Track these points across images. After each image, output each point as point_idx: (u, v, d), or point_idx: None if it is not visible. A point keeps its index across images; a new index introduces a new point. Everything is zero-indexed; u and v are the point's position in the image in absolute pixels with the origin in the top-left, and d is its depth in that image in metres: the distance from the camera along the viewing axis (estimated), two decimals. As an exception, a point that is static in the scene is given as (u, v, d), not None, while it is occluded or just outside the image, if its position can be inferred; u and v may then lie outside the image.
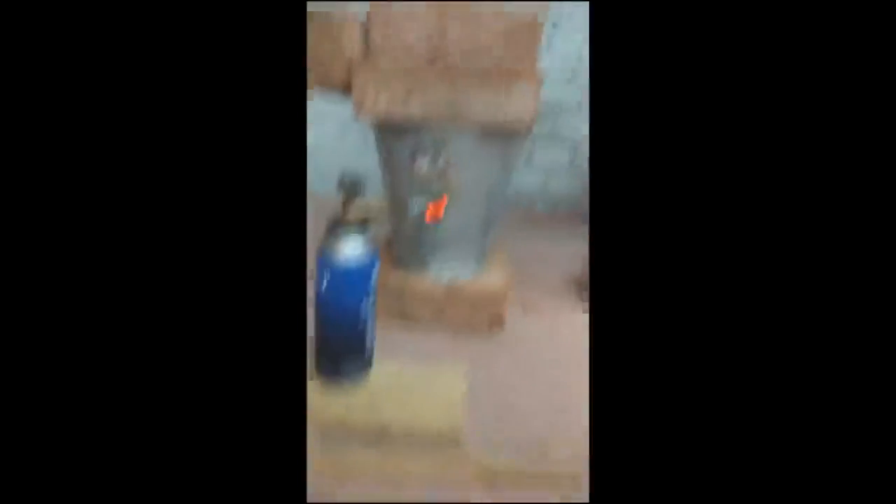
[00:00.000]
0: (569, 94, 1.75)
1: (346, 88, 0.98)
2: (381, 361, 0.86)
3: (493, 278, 1.11)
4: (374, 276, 0.80)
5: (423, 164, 0.99)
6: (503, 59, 0.93)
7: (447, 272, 1.09)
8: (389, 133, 1.01)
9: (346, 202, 0.78)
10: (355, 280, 0.79)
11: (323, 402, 0.79)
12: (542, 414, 0.87)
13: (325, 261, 0.77)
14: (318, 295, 0.79)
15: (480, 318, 1.07)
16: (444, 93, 0.93)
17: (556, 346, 1.06)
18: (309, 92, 0.94)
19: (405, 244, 1.13)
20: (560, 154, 1.99)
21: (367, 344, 0.84)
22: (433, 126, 0.96)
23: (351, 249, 0.77)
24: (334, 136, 1.73)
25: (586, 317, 1.07)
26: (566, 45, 1.72)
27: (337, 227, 0.77)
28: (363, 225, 0.78)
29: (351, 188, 0.77)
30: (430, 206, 1.01)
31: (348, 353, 0.82)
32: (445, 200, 1.01)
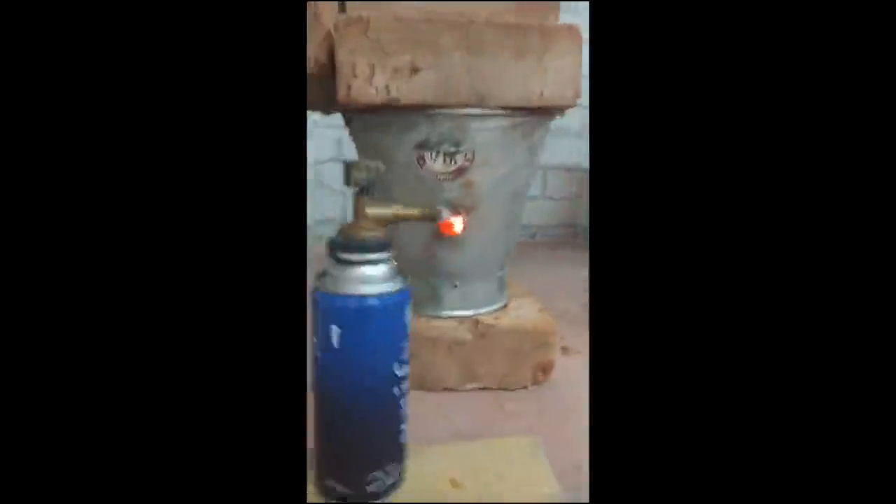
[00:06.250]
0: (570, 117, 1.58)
1: (322, 71, 0.72)
2: (422, 452, 0.57)
3: (529, 312, 0.84)
4: (408, 319, 0.52)
5: (435, 164, 0.73)
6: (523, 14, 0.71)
7: (468, 307, 0.82)
8: (383, 125, 0.75)
9: (360, 200, 0.50)
10: (386, 328, 0.48)
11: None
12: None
13: (330, 305, 0.47)
14: (318, 364, 0.49)
15: (523, 366, 0.80)
16: (466, 66, 0.69)
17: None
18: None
19: (410, 272, 0.85)
20: (566, 183, 1.80)
21: (404, 434, 0.52)
22: (450, 112, 0.71)
23: (375, 281, 0.48)
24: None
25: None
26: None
27: (345, 247, 0.48)
28: (384, 242, 0.50)
29: (365, 178, 0.49)
30: (447, 217, 0.74)
31: (381, 454, 0.50)
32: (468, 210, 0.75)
